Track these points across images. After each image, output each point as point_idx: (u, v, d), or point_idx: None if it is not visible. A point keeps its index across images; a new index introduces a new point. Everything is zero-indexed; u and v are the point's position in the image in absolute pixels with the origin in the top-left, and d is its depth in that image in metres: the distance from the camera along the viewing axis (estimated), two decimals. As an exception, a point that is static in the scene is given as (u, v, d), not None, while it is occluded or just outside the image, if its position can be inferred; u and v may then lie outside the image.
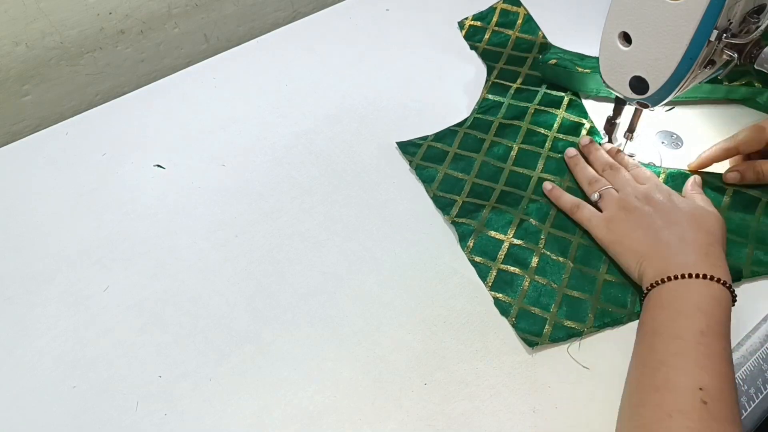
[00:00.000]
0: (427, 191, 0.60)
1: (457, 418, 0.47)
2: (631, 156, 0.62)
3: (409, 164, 0.63)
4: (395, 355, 0.50)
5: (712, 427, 0.40)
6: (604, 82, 0.57)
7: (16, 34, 0.67)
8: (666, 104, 0.55)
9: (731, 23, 0.48)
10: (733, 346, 0.50)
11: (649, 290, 0.49)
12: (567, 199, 0.58)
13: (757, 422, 0.48)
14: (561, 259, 0.55)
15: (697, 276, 0.47)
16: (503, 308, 0.52)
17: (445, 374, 0.49)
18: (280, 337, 0.51)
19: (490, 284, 0.54)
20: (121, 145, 0.65)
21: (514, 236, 0.57)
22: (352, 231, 0.58)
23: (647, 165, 0.61)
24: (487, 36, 0.75)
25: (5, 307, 0.53)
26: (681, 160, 0.62)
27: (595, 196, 0.57)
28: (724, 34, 0.48)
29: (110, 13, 0.72)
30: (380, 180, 0.62)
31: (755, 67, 0.51)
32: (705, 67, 0.51)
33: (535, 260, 0.55)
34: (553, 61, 0.67)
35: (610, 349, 0.50)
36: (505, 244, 0.56)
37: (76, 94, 0.75)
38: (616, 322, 0.51)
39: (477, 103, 0.68)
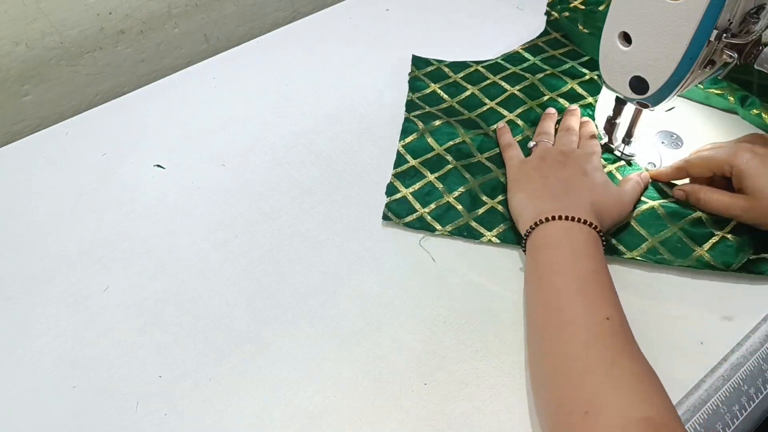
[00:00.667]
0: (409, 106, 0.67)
1: (457, 418, 0.47)
2: (631, 156, 0.62)
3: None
4: (395, 355, 0.50)
5: (624, 348, 0.43)
6: (604, 82, 0.57)
7: (16, 34, 0.67)
8: (667, 104, 0.55)
9: (731, 23, 0.48)
10: (732, 346, 0.50)
11: (532, 229, 0.51)
12: (506, 138, 0.62)
13: (757, 422, 0.48)
14: (467, 175, 0.60)
15: (578, 220, 0.50)
16: (391, 190, 0.60)
17: (445, 374, 0.49)
18: (280, 337, 0.51)
19: (395, 172, 0.61)
20: (121, 145, 0.65)
21: (447, 150, 0.62)
22: (352, 231, 0.58)
23: (640, 166, 0.61)
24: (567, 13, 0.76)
25: (5, 307, 0.53)
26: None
27: (531, 144, 0.60)
28: (724, 34, 0.48)
29: (110, 13, 0.72)
30: (380, 180, 0.62)
31: (755, 67, 0.51)
32: (705, 67, 0.51)
33: (446, 169, 0.61)
34: (565, 14, 0.71)
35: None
36: (434, 152, 0.63)
37: (76, 94, 0.75)
38: (472, 236, 0.56)
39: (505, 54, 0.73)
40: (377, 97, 0.69)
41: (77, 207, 0.60)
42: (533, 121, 0.65)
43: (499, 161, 0.62)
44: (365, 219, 0.59)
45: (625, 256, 0.54)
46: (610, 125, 0.61)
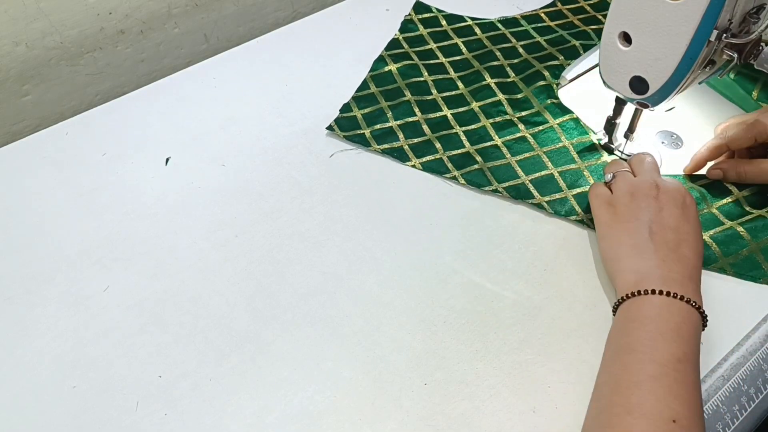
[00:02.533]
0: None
1: (457, 418, 0.47)
2: (631, 156, 0.62)
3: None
4: (395, 355, 0.50)
5: None
6: (604, 82, 0.57)
7: (16, 34, 0.67)
8: (667, 104, 0.55)
9: (731, 23, 0.48)
10: (732, 346, 0.50)
11: (626, 298, 0.47)
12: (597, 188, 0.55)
13: (757, 422, 0.48)
14: (416, 109, 0.67)
15: (681, 298, 0.45)
16: (345, 108, 0.66)
17: (445, 374, 0.49)
18: (280, 337, 0.51)
19: (354, 95, 0.68)
20: (121, 145, 0.65)
21: (407, 85, 0.70)
22: (352, 231, 0.58)
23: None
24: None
25: (5, 307, 0.53)
26: (681, 160, 0.62)
27: (608, 177, 0.54)
28: (724, 34, 0.48)
29: (110, 13, 0.72)
30: (380, 180, 0.62)
31: (755, 67, 0.51)
32: (705, 67, 0.51)
33: (400, 100, 0.68)
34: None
35: (610, 349, 0.50)
36: (395, 84, 0.70)
37: (76, 94, 0.75)
38: (401, 158, 0.62)
39: None
40: (377, 97, 0.69)
41: (77, 207, 0.60)
42: (505, 89, 0.68)
43: (454, 101, 0.67)
44: (365, 219, 0.59)
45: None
46: (610, 125, 0.61)
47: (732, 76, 0.66)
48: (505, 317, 0.52)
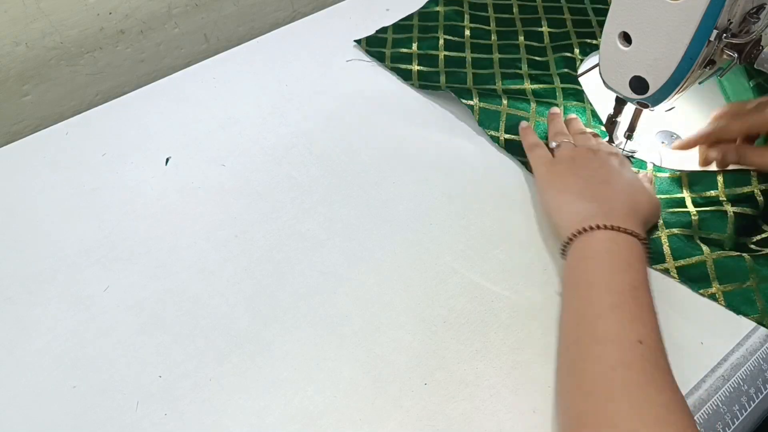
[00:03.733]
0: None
1: (457, 418, 0.47)
2: (633, 153, 0.62)
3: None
4: (395, 355, 0.50)
5: (652, 375, 0.41)
6: (604, 82, 0.57)
7: (16, 34, 0.67)
8: (667, 104, 0.55)
9: (731, 23, 0.48)
10: (732, 346, 0.50)
11: (574, 237, 0.49)
12: (531, 138, 0.60)
13: (757, 422, 0.48)
14: (440, 43, 0.70)
15: (624, 231, 0.48)
16: (382, 30, 0.74)
17: (445, 374, 0.49)
18: (280, 337, 0.51)
19: (396, 23, 0.75)
20: (121, 145, 0.65)
21: (444, 27, 0.74)
22: (352, 231, 0.58)
23: (641, 163, 0.61)
24: None
25: (5, 307, 0.53)
26: (681, 160, 0.62)
27: (553, 144, 0.59)
28: (724, 34, 0.48)
29: (110, 13, 0.72)
30: (380, 180, 0.62)
31: (755, 67, 0.51)
32: (705, 67, 0.51)
33: (431, 35, 0.72)
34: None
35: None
36: (436, 23, 0.76)
37: (76, 94, 0.75)
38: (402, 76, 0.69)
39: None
40: (377, 97, 0.69)
41: (77, 207, 0.60)
42: (531, 50, 0.72)
43: (479, 48, 0.71)
44: (365, 219, 0.59)
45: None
46: (611, 125, 0.62)
47: (751, 84, 0.66)
48: (505, 317, 0.52)
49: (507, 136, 0.63)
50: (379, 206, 0.59)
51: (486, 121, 0.64)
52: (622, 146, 0.62)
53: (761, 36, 0.50)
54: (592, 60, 0.72)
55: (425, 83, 0.69)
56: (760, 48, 0.51)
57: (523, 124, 0.62)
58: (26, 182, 0.62)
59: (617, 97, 0.58)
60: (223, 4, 0.80)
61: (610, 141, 0.63)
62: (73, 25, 0.70)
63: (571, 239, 0.50)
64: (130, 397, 0.48)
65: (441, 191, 0.61)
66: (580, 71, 0.71)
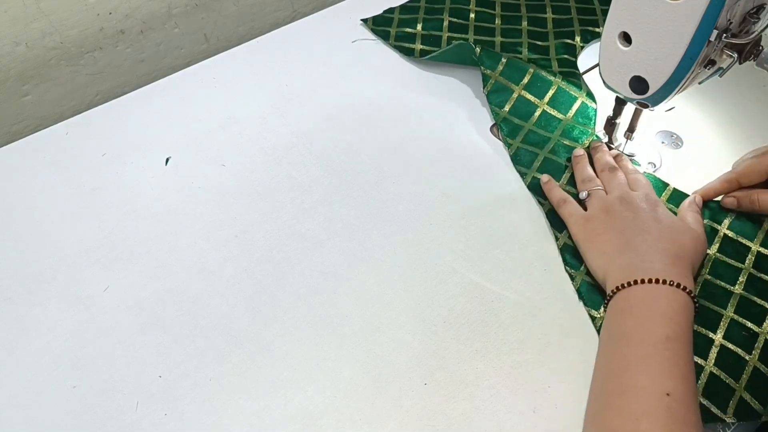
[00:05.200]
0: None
1: (457, 418, 0.47)
2: (631, 156, 0.62)
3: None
4: (395, 355, 0.50)
5: (681, 430, 0.40)
6: (604, 82, 0.57)
7: (16, 34, 0.67)
8: (667, 104, 0.55)
9: (731, 23, 0.48)
10: (733, 346, 0.50)
11: (614, 293, 0.48)
12: (556, 193, 0.58)
13: (757, 423, 0.48)
14: (444, 15, 0.71)
15: (664, 282, 0.47)
16: (389, 10, 0.77)
17: (445, 374, 0.49)
18: (280, 337, 0.51)
19: (402, 4, 0.77)
20: (121, 145, 0.65)
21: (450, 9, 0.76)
22: (352, 231, 0.58)
23: (652, 174, 0.61)
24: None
25: (5, 307, 0.53)
26: (681, 160, 0.62)
27: (583, 194, 0.57)
28: (724, 34, 0.48)
29: (110, 13, 0.72)
30: (380, 180, 0.62)
31: (755, 66, 0.51)
32: (705, 67, 0.51)
33: (436, 17, 0.73)
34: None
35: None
36: (443, 5, 0.77)
37: (76, 94, 0.75)
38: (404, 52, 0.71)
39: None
40: (377, 97, 0.69)
41: (77, 207, 0.60)
42: (533, 35, 0.72)
43: (483, 31, 0.73)
44: (365, 219, 0.59)
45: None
46: (610, 125, 0.62)
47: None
48: (505, 317, 0.52)
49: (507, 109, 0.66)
50: (379, 206, 0.59)
51: (488, 62, 0.67)
52: (621, 147, 0.62)
53: (761, 36, 0.50)
54: (592, 47, 0.73)
55: (427, 48, 0.72)
56: (760, 48, 0.51)
57: (544, 178, 0.60)
58: (26, 182, 0.62)
59: (617, 97, 0.58)
60: (223, 4, 0.80)
61: (610, 142, 0.63)
62: (73, 25, 0.70)
63: (611, 295, 0.49)
64: (130, 397, 0.48)
65: (441, 191, 0.61)
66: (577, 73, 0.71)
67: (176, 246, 0.57)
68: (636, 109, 0.59)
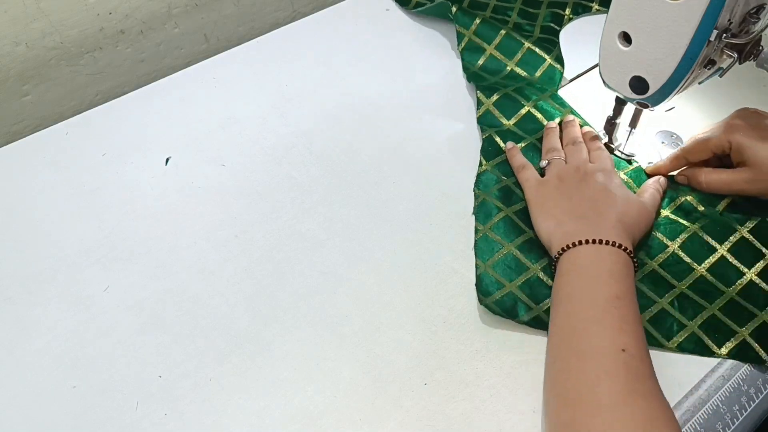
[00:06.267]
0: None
1: (457, 418, 0.47)
2: (631, 156, 0.62)
3: None
4: (395, 355, 0.50)
5: (636, 385, 0.41)
6: (604, 82, 0.57)
7: (16, 34, 0.67)
8: (667, 104, 0.55)
9: (731, 23, 0.48)
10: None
11: (560, 254, 0.50)
12: (518, 159, 0.60)
13: (757, 422, 0.48)
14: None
15: (607, 243, 0.48)
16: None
17: (445, 374, 0.49)
18: (280, 337, 0.51)
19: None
20: (121, 145, 0.65)
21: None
22: (352, 231, 0.58)
23: (618, 157, 0.62)
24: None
25: (5, 307, 0.53)
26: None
27: (543, 163, 0.59)
28: (724, 34, 0.48)
29: (110, 13, 0.72)
30: (380, 180, 0.62)
31: (755, 66, 0.51)
32: (705, 67, 0.51)
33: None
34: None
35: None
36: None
37: (76, 94, 0.75)
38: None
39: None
40: (377, 97, 0.69)
41: (77, 207, 0.60)
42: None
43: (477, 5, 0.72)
44: (365, 219, 0.59)
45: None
46: (610, 125, 0.61)
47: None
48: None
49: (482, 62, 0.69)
50: (379, 206, 0.59)
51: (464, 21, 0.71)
52: (621, 147, 0.62)
53: (761, 36, 0.50)
54: (581, 20, 0.75)
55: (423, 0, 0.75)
56: (760, 48, 0.51)
57: (509, 145, 0.62)
58: (26, 182, 0.62)
59: (617, 97, 0.58)
60: (223, 4, 0.80)
61: (610, 142, 0.63)
62: (73, 25, 0.70)
63: (557, 257, 0.50)
64: (130, 397, 0.48)
65: (441, 191, 0.61)
66: (576, 74, 0.70)
67: (176, 246, 0.57)
68: (636, 109, 0.59)
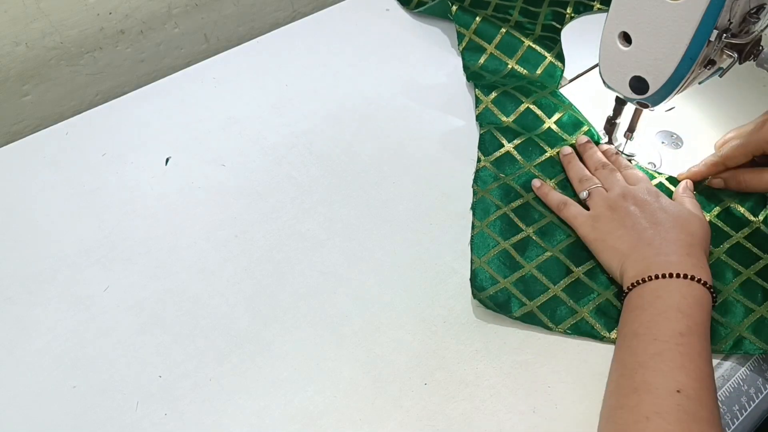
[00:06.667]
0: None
1: (457, 418, 0.47)
2: (631, 156, 0.62)
3: None
4: (395, 355, 0.50)
5: (689, 427, 0.40)
6: (604, 82, 0.57)
7: (16, 34, 0.67)
8: (667, 104, 0.55)
9: (731, 23, 0.48)
10: (733, 346, 0.50)
11: (629, 290, 0.48)
12: (554, 197, 0.58)
13: (757, 422, 0.48)
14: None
15: (678, 276, 0.47)
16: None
17: (445, 374, 0.49)
18: (280, 337, 0.51)
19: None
20: (121, 145, 0.65)
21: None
22: (352, 231, 0.58)
23: (642, 167, 0.61)
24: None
25: (5, 307, 0.53)
26: (681, 160, 0.62)
27: (584, 194, 0.57)
28: (724, 34, 0.48)
29: (110, 13, 0.72)
30: (380, 180, 0.62)
31: (756, 66, 0.51)
32: (705, 67, 0.51)
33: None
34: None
35: (610, 350, 0.50)
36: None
37: (76, 94, 0.75)
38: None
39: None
40: (377, 97, 0.69)
41: (77, 207, 0.60)
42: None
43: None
44: (365, 219, 0.59)
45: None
46: (610, 125, 0.62)
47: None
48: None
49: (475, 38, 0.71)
50: (379, 206, 0.59)
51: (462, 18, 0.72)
52: (621, 147, 0.62)
53: (761, 36, 0.50)
54: (581, 20, 0.75)
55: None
56: (760, 48, 0.51)
57: (536, 183, 0.59)
58: (26, 182, 0.62)
59: (617, 97, 0.58)
60: (223, 4, 0.80)
61: (609, 142, 0.63)
62: (73, 25, 0.70)
63: (627, 291, 0.49)
64: (130, 397, 0.48)
65: (441, 191, 0.61)
66: (576, 74, 0.71)
67: (176, 246, 0.57)
68: (636, 109, 0.59)
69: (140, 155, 0.64)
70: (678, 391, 0.41)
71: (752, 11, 0.48)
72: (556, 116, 0.64)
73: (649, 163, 0.61)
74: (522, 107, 0.65)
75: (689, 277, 0.47)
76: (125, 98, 0.70)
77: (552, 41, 0.71)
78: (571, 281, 0.53)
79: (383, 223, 0.58)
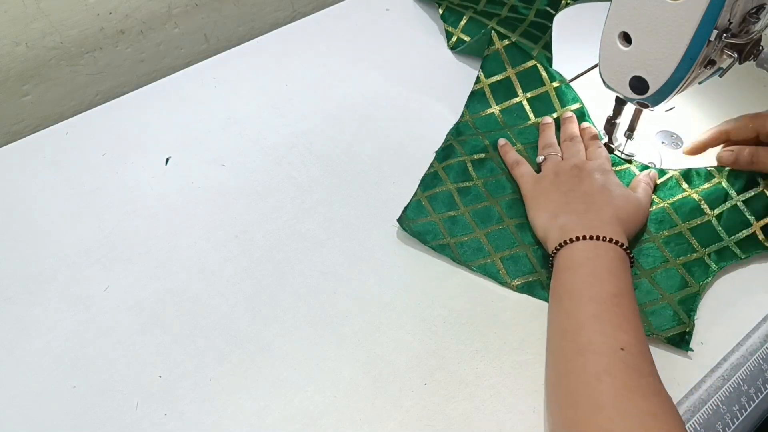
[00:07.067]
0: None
1: (457, 418, 0.47)
2: (631, 156, 0.62)
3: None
4: (395, 355, 0.50)
5: (638, 382, 0.41)
6: (604, 82, 0.57)
7: (16, 34, 0.67)
8: (666, 104, 0.55)
9: (731, 23, 0.48)
10: (732, 346, 0.50)
11: (557, 250, 0.50)
12: (512, 155, 0.61)
13: (757, 422, 0.48)
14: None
15: (604, 239, 0.49)
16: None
17: (445, 374, 0.49)
18: (280, 337, 0.51)
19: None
20: (121, 145, 0.65)
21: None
22: (352, 231, 0.58)
23: (645, 166, 0.61)
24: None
25: (5, 307, 0.53)
26: (681, 160, 0.62)
27: (539, 159, 0.59)
28: (724, 34, 0.48)
29: (110, 13, 0.72)
30: (380, 180, 0.62)
31: (756, 66, 0.51)
32: (705, 67, 0.51)
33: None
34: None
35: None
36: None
37: (76, 94, 0.75)
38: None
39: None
40: (377, 97, 0.70)
41: (77, 207, 0.60)
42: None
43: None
44: (365, 219, 0.59)
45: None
46: (610, 125, 0.61)
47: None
48: (505, 317, 0.52)
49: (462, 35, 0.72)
50: (379, 206, 0.59)
51: (450, 18, 0.73)
52: (621, 147, 0.62)
53: (761, 36, 0.50)
54: (581, 19, 0.74)
55: None
56: (760, 48, 0.51)
57: (501, 141, 0.62)
58: (26, 182, 0.62)
59: (617, 97, 0.58)
60: (223, 4, 0.80)
61: (610, 142, 0.63)
62: (73, 25, 0.70)
63: (554, 253, 0.50)
64: (130, 397, 0.48)
65: (441, 191, 0.61)
66: (576, 74, 0.70)
67: (176, 246, 0.57)
68: (636, 109, 0.59)
69: (140, 155, 0.64)
70: (622, 349, 0.42)
71: (752, 11, 0.48)
72: (553, 116, 0.64)
73: (649, 163, 0.61)
74: (542, 89, 0.66)
75: (613, 241, 0.48)
76: (125, 98, 0.70)
77: (541, 29, 0.70)
78: (498, 228, 0.56)
79: (383, 223, 0.58)
